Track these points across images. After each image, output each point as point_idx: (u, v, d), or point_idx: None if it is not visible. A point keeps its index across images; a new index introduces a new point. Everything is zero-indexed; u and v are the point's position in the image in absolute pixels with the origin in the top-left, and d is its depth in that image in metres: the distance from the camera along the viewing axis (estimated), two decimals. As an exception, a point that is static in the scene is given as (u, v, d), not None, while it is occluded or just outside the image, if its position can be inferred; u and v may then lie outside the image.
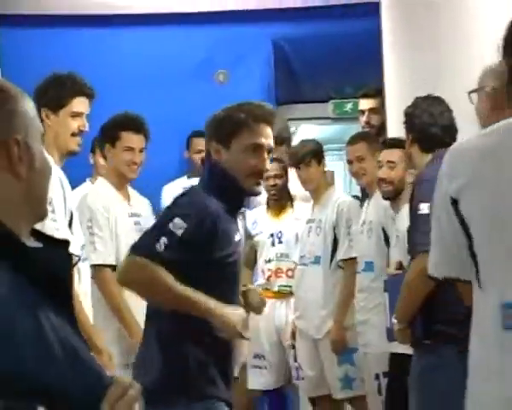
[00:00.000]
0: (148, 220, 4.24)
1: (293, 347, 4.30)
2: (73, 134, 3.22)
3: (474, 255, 2.16)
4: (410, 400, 3.40)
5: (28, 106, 1.62)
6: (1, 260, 1.49)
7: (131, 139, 4.16)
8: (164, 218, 3.04)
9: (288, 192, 5.11)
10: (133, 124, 4.23)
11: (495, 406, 2.15)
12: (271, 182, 4.94)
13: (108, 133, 3.96)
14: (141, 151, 4.24)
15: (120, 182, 4.30)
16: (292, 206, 5.16)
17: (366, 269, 4.07)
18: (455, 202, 2.17)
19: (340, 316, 4.30)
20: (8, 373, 1.42)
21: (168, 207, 3.14)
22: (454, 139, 3.42)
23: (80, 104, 3.45)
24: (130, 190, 4.49)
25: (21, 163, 1.58)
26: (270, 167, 4.12)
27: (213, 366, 2.73)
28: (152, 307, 2.81)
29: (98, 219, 3.88)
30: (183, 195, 3.26)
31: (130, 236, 3.97)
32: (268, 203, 5.13)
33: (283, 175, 5.01)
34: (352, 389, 4.28)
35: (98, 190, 4.34)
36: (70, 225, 3.11)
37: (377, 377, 3.92)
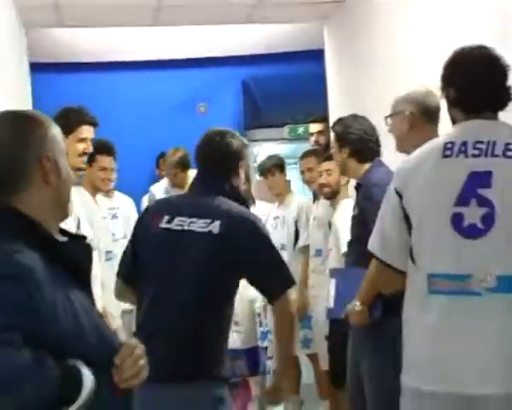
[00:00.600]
0: (126, 211, 4.38)
1: (259, 315, 4.14)
2: (79, 155, 3.03)
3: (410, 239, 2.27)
4: (362, 362, 3.04)
5: (55, 131, 1.60)
6: (41, 253, 1.46)
7: (105, 161, 4.00)
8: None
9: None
10: (105, 148, 4.06)
11: (419, 347, 2.26)
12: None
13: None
14: (112, 170, 4.11)
15: (94, 192, 4.11)
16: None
17: (316, 255, 3.94)
18: (400, 196, 2.23)
19: (303, 290, 4.17)
20: (55, 338, 1.42)
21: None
22: (380, 148, 3.27)
23: (85, 131, 3.23)
24: (117, 193, 4.50)
25: (51, 174, 1.56)
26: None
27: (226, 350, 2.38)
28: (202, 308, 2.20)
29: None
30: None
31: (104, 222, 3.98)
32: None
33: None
34: (309, 348, 4.23)
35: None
36: (78, 227, 2.95)
37: (326, 338, 3.75)
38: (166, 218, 2.40)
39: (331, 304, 3.19)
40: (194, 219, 2.43)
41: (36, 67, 5.39)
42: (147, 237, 2.46)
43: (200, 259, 2.23)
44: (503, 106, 2.27)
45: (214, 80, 6.36)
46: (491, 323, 2.25)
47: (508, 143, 2.23)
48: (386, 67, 4.38)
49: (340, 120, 3.33)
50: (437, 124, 2.99)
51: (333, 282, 3.22)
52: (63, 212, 1.67)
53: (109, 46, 6.10)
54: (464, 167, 2.21)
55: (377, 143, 3.25)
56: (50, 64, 6.16)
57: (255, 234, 2.25)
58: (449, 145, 2.25)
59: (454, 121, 2.36)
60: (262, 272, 2.27)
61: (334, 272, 3.36)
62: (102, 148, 3.96)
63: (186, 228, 2.42)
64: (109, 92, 6.34)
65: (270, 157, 4.76)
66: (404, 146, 2.97)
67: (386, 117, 3.02)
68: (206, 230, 2.21)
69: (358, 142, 3.21)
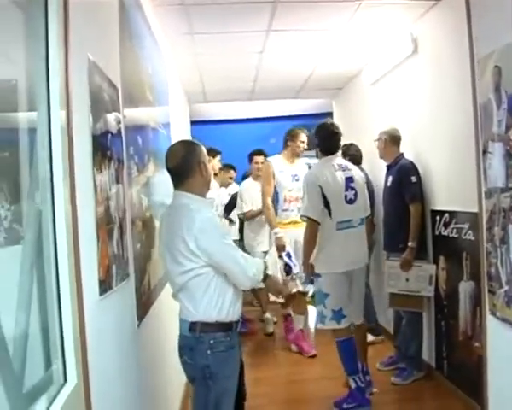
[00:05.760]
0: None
1: None
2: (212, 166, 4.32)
3: (328, 206, 3.66)
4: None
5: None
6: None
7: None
8: None
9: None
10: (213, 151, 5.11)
11: (333, 255, 3.67)
12: None
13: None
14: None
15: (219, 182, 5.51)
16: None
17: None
18: (320, 187, 3.65)
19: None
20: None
21: None
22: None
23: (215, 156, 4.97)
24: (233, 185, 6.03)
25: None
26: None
27: None
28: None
29: None
30: None
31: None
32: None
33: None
34: None
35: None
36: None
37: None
38: None
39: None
40: None
41: (193, 123, 7.22)
42: None
43: None
44: (338, 150, 3.90)
45: (278, 127, 6.79)
46: (358, 238, 3.77)
47: (346, 164, 3.82)
48: (367, 125, 5.78)
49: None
50: (399, 146, 4.38)
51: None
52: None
53: (226, 110, 8.05)
54: (343, 175, 3.75)
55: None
56: (199, 121, 7.72)
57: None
58: (336, 166, 3.76)
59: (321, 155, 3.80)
60: None
61: None
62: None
63: None
64: (227, 133, 8.01)
65: None
66: (383, 156, 4.47)
67: (374, 140, 4.45)
68: None
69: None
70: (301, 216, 3.90)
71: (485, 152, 2.17)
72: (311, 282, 3.89)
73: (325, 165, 3.77)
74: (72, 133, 1.59)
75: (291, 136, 4.98)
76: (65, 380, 1.50)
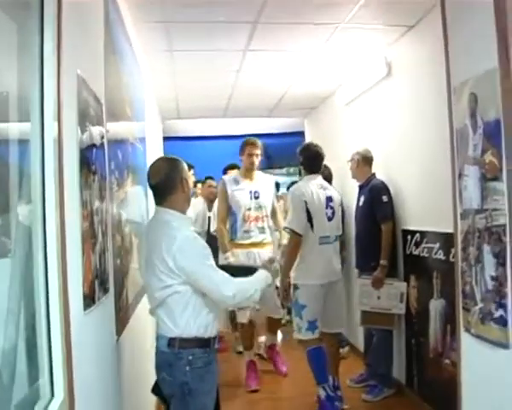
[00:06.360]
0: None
1: None
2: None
3: (311, 220, 3.82)
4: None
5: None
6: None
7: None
8: None
9: None
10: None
11: (314, 267, 3.83)
12: None
13: None
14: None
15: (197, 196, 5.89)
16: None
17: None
18: (305, 203, 3.83)
19: None
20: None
21: None
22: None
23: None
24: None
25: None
26: None
27: None
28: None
29: None
30: None
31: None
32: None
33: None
34: None
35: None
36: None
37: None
38: None
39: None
40: None
41: (166, 139, 7.29)
42: None
43: None
44: (320, 170, 4.00)
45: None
46: (334, 253, 3.96)
47: (326, 185, 4.01)
48: (339, 145, 5.84)
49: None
50: (371, 166, 4.48)
51: None
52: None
53: (199, 127, 8.18)
54: (324, 194, 3.94)
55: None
56: (172, 137, 7.74)
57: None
58: (318, 185, 3.91)
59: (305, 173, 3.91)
60: None
61: None
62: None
63: None
64: (200, 150, 7.95)
65: None
66: (355, 176, 4.58)
67: (347, 161, 4.60)
68: None
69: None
70: (285, 228, 3.95)
71: (460, 175, 2.25)
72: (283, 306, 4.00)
73: (309, 182, 3.89)
74: (62, 145, 1.60)
75: (240, 149, 4.66)
76: (52, 395, 1.48)
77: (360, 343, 5.03)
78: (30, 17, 1.56)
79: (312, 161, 3.97)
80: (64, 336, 1.56)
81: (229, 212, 4.60)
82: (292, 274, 3.89)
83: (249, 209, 4.53)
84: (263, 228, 4.54)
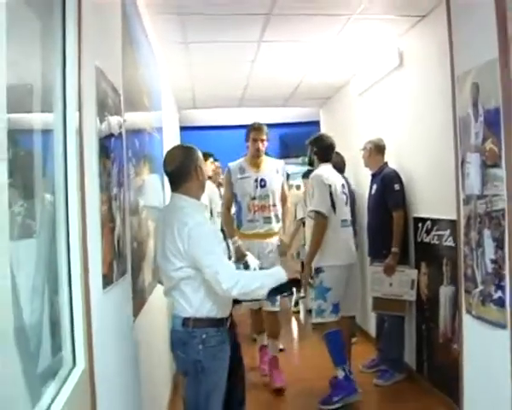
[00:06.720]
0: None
1: None
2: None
3: (333, 204, 3.91)
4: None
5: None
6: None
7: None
8: None
9: None
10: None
11: (337, 247, 3.90)
12: None
13: None
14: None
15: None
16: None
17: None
18: (330, 186, 3.92)
19: None
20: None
21: None
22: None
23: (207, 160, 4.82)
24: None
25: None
26: None
27: None
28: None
29: None
30: None
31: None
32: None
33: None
34: None
35: None
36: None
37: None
38: None
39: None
40: None
41: (183, 128, 7.39)
42: None
43: None
44: (331, 160, 4.09)
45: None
46: (351, 236, 4.09)
47: (337, 173, 4.10)
48: (353, 134, 5.94)
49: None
50: (383, 155, 4.51)
51: None
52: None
53: (215, 117, 8.21)
54: (340, 180, 4.09)
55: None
56: (189, 126, 7.85)
57: None
58: (334, 173, 4.03)
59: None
60: None
61: None
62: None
63: None
64: (216, 139, 7.94)
65: None
66: (368, 165, 4.63)
67: (360, 149, 4.67)
68: None
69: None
70: (310, 212, 3.92)
71: (463, 162, 2.32)
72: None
73: (327, 169, 4.02)
74: (83, 134, 1.70)
75: (245, 135, 4.41)
76: (74, 364, 1.60)
77: (372, 329, 5.08)
78: (53, 13, 1.67)
79: (326, 151, 4.08)
80: (85, 311, 1.67)
81: (234, 200, 4.47)
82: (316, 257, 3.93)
83: (254, 198, 4.32)
84: (269, 218, 4.36)
